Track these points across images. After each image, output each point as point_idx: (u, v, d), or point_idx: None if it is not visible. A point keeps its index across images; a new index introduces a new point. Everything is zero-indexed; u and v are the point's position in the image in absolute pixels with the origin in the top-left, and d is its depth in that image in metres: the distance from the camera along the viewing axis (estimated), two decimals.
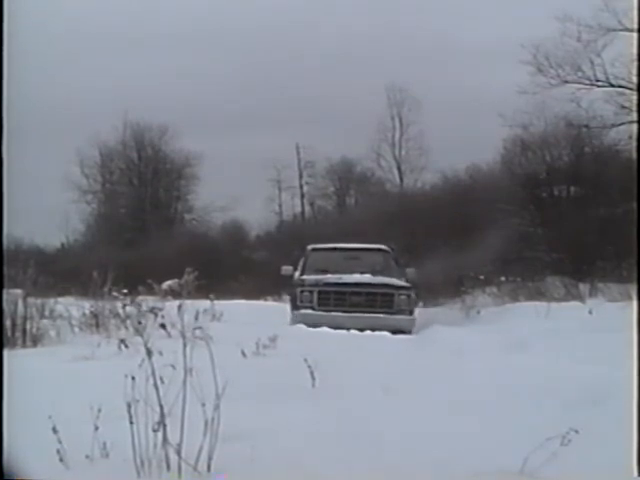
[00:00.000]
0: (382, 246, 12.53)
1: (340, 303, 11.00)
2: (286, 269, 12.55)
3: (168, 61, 33.83)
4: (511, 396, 3.73)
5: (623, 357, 3.12)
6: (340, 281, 11.23)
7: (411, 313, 11.14)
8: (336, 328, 9.41)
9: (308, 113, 32.36)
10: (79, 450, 2.75)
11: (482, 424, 3.27)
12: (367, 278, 11.33)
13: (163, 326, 3.33)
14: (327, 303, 11.02)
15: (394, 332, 9.73)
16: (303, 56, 33.51)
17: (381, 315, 10.81)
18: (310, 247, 12.68)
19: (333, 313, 10.75)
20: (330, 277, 11.36)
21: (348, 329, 9.35)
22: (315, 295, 11.12)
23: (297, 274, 12.14)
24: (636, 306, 5.64)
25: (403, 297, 11.17)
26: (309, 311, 10.91)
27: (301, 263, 12.46)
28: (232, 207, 30.19)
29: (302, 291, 11.24)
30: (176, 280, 4.33)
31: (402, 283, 11.43)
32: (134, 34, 32.25)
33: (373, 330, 9.64)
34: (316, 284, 11.22)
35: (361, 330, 9.40)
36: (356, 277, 11.31)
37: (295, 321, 10.69)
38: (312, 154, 33.34)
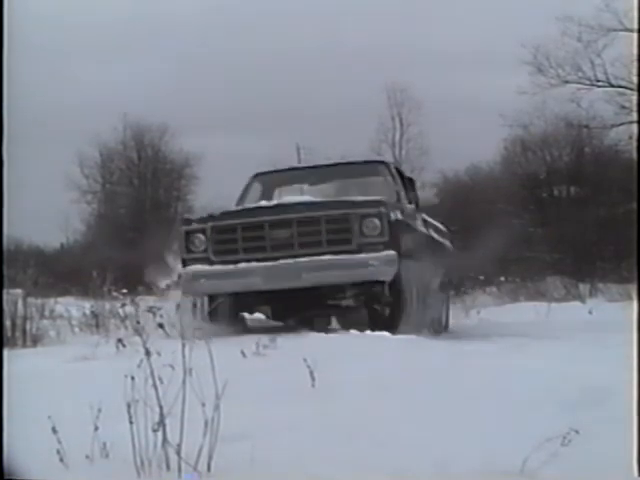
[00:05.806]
0: (378, 158, 8.05)
1: (255, 246, 6.54)
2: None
3: (168, 61, 33.88)
4: (511, 396, 3.72)
5: (623, 357, 3.11)
6: (255, 206, 7.00)
7: (386, 247, 6.39)
8: (249, 301, 6.57)
9: (308, 113, 32.38)
10: (79, 450, 2.75)
11: (482, 424, 3.26)
12: (305, 198, 7.08)
13: (161, 325, 3.34)
14: (231, 250, 6.56)
15: (361, 288, 6.53)
16: (303, 56, 33.52)
17: (330, 257, 6.33)
18: (255, 174, 8.45)
19: (242, 265, 6.45)
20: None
21: (269, 299, 6.50)
22: (209, 235, 6.60)
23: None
24: (636, 306, 5.63)
25: (371, 220, 6.43)
26: (199, 267, 6.52)
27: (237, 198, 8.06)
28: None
29: (188, 232, 6.69)
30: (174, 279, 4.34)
31: (370, 198, 6.65)
32: (134, 34, 32.28)
33: (321, 289, 6.48)
34: (211, 217, 6.79)
35: (296, 294, 6.35)
36: (289, 199, 7.16)
37: (184, 289, 6.72)
38: (312, 154, 33.35)
